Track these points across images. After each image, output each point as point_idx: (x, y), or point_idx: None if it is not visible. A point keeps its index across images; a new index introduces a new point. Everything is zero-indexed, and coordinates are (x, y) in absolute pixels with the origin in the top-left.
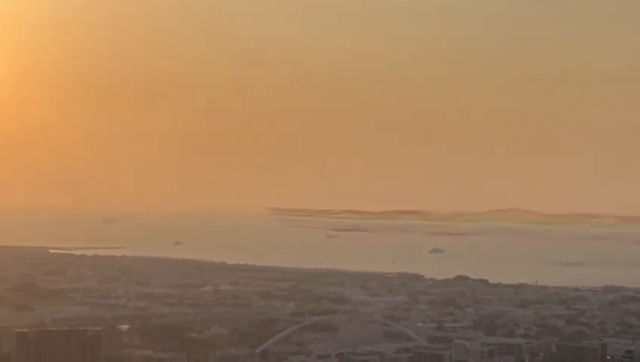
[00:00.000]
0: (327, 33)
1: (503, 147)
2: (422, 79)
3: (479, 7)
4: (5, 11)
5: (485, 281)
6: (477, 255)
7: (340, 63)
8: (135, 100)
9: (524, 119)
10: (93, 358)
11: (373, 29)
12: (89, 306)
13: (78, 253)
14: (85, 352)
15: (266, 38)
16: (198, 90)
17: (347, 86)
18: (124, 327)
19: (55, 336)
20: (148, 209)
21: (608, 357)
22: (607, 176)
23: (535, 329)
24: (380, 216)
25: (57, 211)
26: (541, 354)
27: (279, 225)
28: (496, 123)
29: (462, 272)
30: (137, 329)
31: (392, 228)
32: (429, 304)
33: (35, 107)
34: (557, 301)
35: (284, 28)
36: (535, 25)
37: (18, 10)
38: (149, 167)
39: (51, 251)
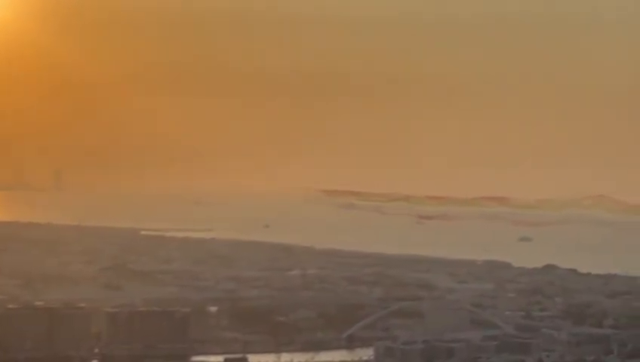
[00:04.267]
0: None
1: (589, 132)
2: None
3: None
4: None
5: (574, 271)
6: (565, 244)
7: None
8: (226, 88)
9: (616, 102)
10: (181, 339)
11: None
12: (178, 287)
13: (168, 234)
14: (174, 332)
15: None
16: (286, 77)
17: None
18: (213, 309)
19: (144, 316)
20: (238, 192)
21: None
22: None
23: (624, 320)
24: (463, 202)
25: (149, 194)
26: (630, 345)
27: (363, 210)
28: (583, 106)
29: (550, 261)
30: (225, 311)
31: (477, 215)
32: (517, 292)
33: (134, 94)
34: None
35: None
36: None
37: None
38: (240, 149)
39: (142, 233)
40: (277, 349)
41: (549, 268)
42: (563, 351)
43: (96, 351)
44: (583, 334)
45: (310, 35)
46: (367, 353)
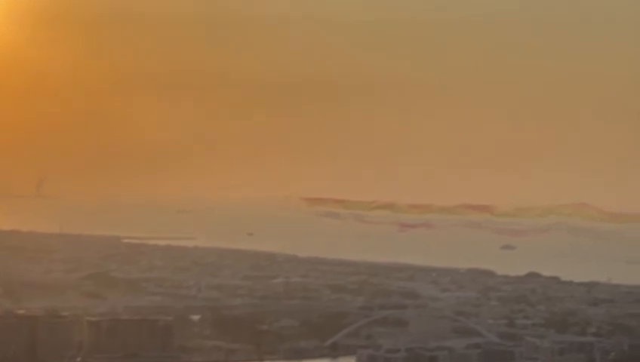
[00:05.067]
0: None
1: (572, 140)
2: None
3: None
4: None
5: (557, 279)
6: (548, 252)
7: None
8: (207, 95)
9: (600, 111)
10: (164, 347)
11: None
12: (161, 296)
13: (151, 242)
14: (156, 341)
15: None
16: (268, 83)
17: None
18: (195, 317)
19: (127, 325)
20: (221, 200)
21: None
22: None
23: (607, 328)
24: (446, 210)
25: (131, 201)
26: (613, 353)
27: (346, 218)
28: (568, 115)
29: (533, 269)
30: (208, 319)
31: (460, 222)
32: (500, 300)
33: (117, 102)
34: (630, 300)
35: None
36: None
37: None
38: (223, 157)
39: (124, 241)
40: (260, 357)
41: (532, 276)
42: (546, 359)
43: (79, 359)
44: (566, 342)
45: (295, 39)
46: (350, 361)
